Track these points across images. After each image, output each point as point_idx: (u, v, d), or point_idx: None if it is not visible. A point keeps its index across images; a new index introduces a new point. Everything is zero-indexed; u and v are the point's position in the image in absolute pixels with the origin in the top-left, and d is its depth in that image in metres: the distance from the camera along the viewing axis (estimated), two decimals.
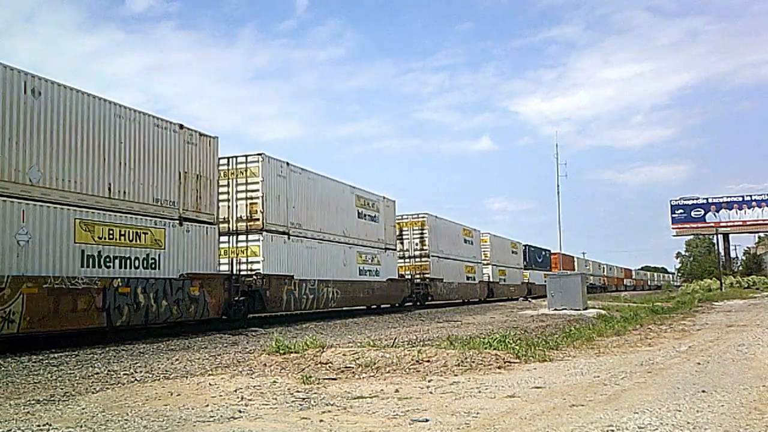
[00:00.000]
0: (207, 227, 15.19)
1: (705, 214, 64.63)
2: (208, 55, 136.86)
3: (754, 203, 63.05)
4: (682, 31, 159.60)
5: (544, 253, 54.48)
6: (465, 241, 35.18)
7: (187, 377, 7.80)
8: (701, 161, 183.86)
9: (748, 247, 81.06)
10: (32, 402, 6.30)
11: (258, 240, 17.02)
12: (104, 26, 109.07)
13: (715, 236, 62.73)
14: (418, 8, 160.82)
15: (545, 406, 5.55)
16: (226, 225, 16.93)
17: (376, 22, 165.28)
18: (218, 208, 15.99)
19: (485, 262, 39.21)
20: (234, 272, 16.62)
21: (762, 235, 74.48)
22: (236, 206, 17.26)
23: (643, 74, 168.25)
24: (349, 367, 7.92)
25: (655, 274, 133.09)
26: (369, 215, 23.81)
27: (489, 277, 39.64)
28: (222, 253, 16.33)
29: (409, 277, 28.31)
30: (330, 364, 8.06)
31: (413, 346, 9.32)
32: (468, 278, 35.11)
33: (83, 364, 9.56)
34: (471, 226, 36.76)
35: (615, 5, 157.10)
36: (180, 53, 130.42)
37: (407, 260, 29.18)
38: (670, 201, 66.58)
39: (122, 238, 12.79)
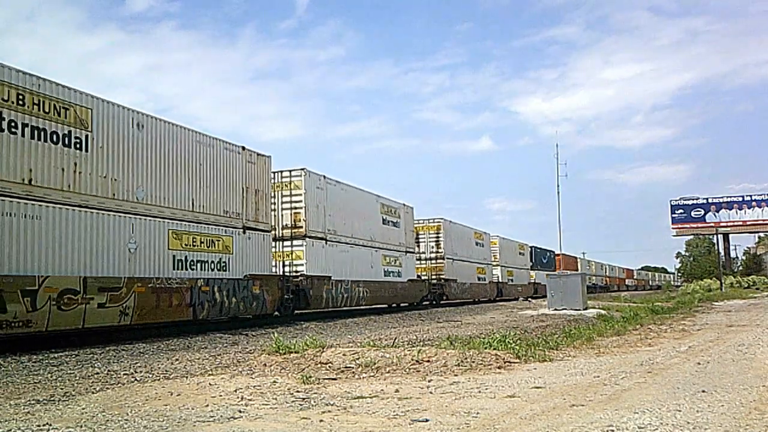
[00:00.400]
0: (264, 234, 17.58)
1: (705, 214, 64.67)
2: (208, 54, 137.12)
3: (754, 203, 63.08)
4: (683, 31, 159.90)
5: (548, 254, 56.25)
6: (476, 243, 37.15)
7: (187, 377, 7.80)
8: (702, 161, 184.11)
9: (748, 247, 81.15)
10: (32, 402, 6.30)
11: (302, 245, 19.28)
12: (105, 26, 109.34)
13: (715, 236, 62.75)
14: (418, 8, 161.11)
15: (545, 406, 5.55)
16: (273, 232, 18.73)
17: (376, 22, 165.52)
18: (271, 217, 18.35)
19: (494, 263, 40.94)
20: (283, 273, 18.60)
21: (762, 235, 74.52)
22: (282, 215, 19.58)
23: (644, 74, 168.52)
24: (349, 367, 7.92)
25: (657, 274, 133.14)
26: (392, 221, 25.99)
27: (498, 277, 41.35)
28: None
29: (426, 277, 30.01)
30: (330, 364, 8.06)
31: (413, 346, 9.32)
32: (479, 279, 36.96)
33: (83, 364, 9.56)
34: (481, 230, 38.65)
35: (615, 5, 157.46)
36: (180, 53, 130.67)
37: (424, 262, 30.97)
38: (670, 201, 66.67)
39: (202, 244, 15.28)
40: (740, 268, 73.31)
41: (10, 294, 10.58)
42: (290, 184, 19.58)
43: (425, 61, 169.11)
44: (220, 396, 6.39)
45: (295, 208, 19.46)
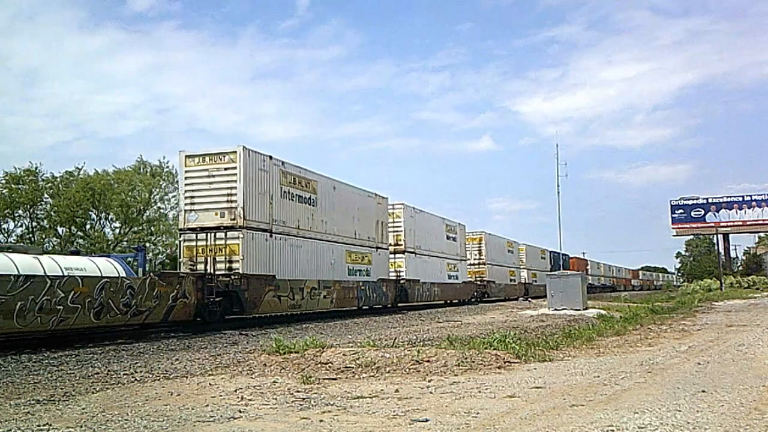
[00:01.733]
0: (385, 251, 25.98)
1: (705, 214, 64.57)
2: (209, 54, 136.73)
3: (754, 203, 62.99)
4: (684, 31, 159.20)
5: (563, 257, 61.55)
6: (508, 251, 44.99)
7: (187, 377, 7.80)
8: (702, 161, 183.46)
9: (748, 247, 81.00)
10: (32, 402, 6.30)
11: (402, 257, 27.53)
12: (105, 25, 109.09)
13: (715, 236, 62.71)
14: (419, 8, 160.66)
15: (545, 406, 5.55)
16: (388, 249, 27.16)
17: (377, 22, 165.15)
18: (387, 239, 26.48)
19: (522, 267, 48.46)
20: (397, 277, 27.01)
21: (762, 235, 74.43)
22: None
23: (645, 74, 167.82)
24: (349, 367, 7.92)
25: (660, 274, 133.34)
26: (452, 237, 33.80)
27: (525, 279, 48.81)
28: None
29: (472, 279, 37.30)
30: (330, 364, 8.06)
31: (413, 346, 9.32)
32: (511, 280, 44.72)
33: (83, 364, 9.56)
34: (512, 239, 46.83)
35: (616, 5, 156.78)
36: (181, 53, 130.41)
37: (470, 267, 38.17)
38: (670, 201, 66.54)
39: (359, 259, 23.33)
40: (740, 268, 73.19)
41: (294, 289, 18.91)
42: (393, 214, 27.18)
43: (426, 61, 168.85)
44: (220, 396, 6.39)
45: (397, 231, 27.40)
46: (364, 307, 23.89)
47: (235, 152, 16.57)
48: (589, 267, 68.53)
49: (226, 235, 16.38)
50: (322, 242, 20.51)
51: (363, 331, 15.73)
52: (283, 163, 18.64)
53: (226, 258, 16.35)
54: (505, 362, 8.23)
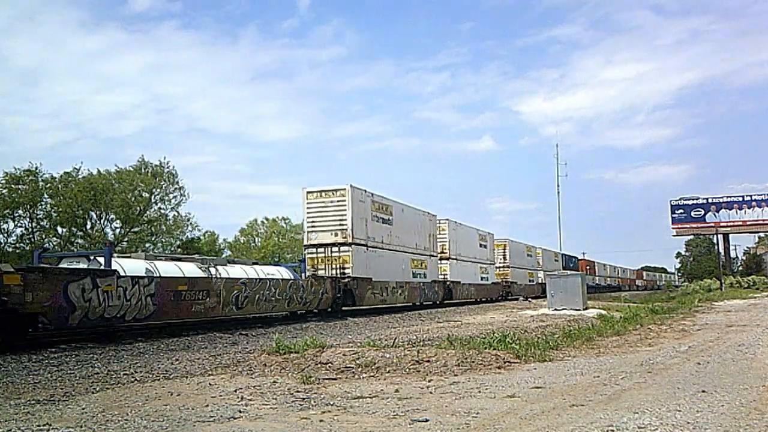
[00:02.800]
0: (435, 258, 31.39)
1: (705, 214, 64.53)
2: (209, 54, 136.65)
3: (754, 203, 62.95)
4: (685, 31, 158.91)
5: (574, 259, 67.79)
6: (527, 255, 50.82)
7: (187, 377, 7.81)
8: (703, 161, 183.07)
9: (748, 247, 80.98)
10: (32, 402, 6.30)
11: (447, 263, 33.23)
12: (106, 25, 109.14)
13: (715, 236, 62.70)
14: (420, 8, 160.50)
15: (545, 406, 5.55)
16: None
17: (378, 22, 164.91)
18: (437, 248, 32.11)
19: (539, 269, 53.26)
20: (444, 279, 32.81)
21: (762, 235, 74.45)
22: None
23: (646, 74, 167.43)
24: (349, 367, 7.92)
25: (663, 275, 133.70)
26: (483, 245, 39.70)
27: (541, 279, 52.42)
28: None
29: (499, 281, 42.64)
30: (330, 364, 8.06)
31: (413, 346, 9.32)
32: (530, 281, 50.28)
33: (83, 364, 9.56)
34: (531, 244, 52.56)
35: (617, 5, 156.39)
36: (181, 53, 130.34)
37: (496, 269, 43.30)
38: (670, 201, 66.48)
39: (419, 265, 29.02)
40: (740, 268, 73.19)
41: (383, 288, 24.75)
42: (439, 227, 32.58)
43: (427, 61, 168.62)
44: (220, 396, 6.39)
45: (442, 241, 32.89)
46: (425, 303, 29.81)
47: (345, 189, 22.55)
48: (596, 268, 75.26)
49: (339, 249, 22.35)
50: (396, 252, 26.57)
51: (363, 331, 15.73)
52: (372, 194, 24.50)
53: (339, 266, 22.29)
54: (505, 362, 8.23)
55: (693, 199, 65.89)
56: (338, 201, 22.46)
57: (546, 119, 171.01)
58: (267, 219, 67.96)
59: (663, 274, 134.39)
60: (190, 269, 17.12)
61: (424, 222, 30.18)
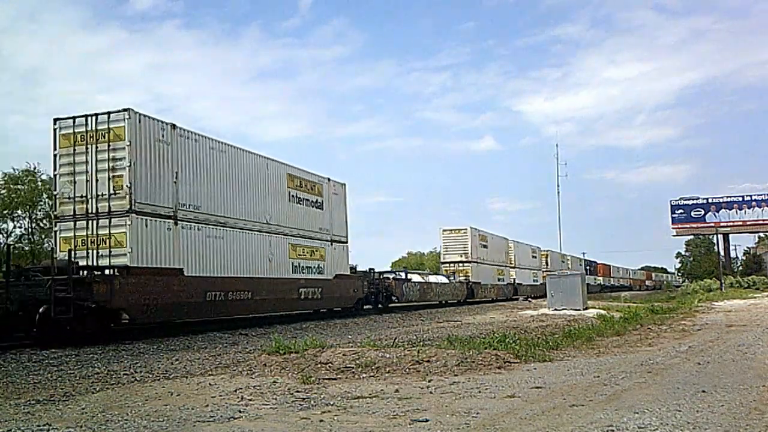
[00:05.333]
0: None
1: (705, 214, 64.54)
2: (211, 54, 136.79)
3: (754, 203, 62.96)
4: (687, 30, 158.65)
5: (593, 263, 75.67)
6: (561, 261, 57.92)
7: (187, 377, 7.81)
8: (704, 161, 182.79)
9: (748, 247, 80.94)
10: (32, 402, 6.30)
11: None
12: (108, 25, 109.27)
13: (715, 236, 62.71)
14: (421, 7, 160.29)
15: (545, 406, 5.55)
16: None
17: (379, 22, 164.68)
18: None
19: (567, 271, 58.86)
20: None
21: (762, 235, 74.39)
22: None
23: (648, 73, 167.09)
24: (349, 367, 7.92)
25: (669, 275, 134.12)
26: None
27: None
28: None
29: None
30: (330, 364, 8.06)
31: (413, 346, 9.31)
32: (534, 281, 53.83)
33: (83, 364, 9.56)
34: (565, 253, 59.52)
35: (620, 4, 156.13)
36: (183, 52, 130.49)
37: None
38: (670, 201, 66.51)
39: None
40: (740, 268, 73.22)
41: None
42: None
43: (428, 61, 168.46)
44: (220, 396, 6.39)
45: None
46: (450, 301, 34.17)
47: (467, 229, 35.61)
48: (611, 270, 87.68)
49: (462, 264, 34.86)
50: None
51: (363, 331, 15.73)
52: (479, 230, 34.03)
53: (464, 275, 35.18)
54: (505, 362, 8.23)
55: (693, 199, 65.91)
56: (462, 237, 36.80)
57: (547, 119, 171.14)
58: None
59: (669, 275, 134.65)
60: (441, 279, 33.90)
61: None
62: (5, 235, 36.59)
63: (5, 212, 35.81)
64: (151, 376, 8.08)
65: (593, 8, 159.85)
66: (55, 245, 14.24)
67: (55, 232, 14.38)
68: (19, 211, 36.86)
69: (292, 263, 19.75)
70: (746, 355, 8.93)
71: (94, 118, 14.13)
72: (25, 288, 12.35)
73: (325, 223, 22.27)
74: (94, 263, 13.64)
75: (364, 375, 7.55)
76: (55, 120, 14.46)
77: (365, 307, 25.46)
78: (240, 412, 5.60)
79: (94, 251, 13.78)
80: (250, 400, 6.16)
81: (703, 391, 6.06)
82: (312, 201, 21.59)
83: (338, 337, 13.81)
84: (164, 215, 14.57)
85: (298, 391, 6.54)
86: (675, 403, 5.50)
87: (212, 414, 5.52)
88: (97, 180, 13.95)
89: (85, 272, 13.02)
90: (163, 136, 14.85)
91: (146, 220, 14.00)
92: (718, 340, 11.30)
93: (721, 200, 64.84)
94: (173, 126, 15.25)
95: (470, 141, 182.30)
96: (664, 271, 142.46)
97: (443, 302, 33.38)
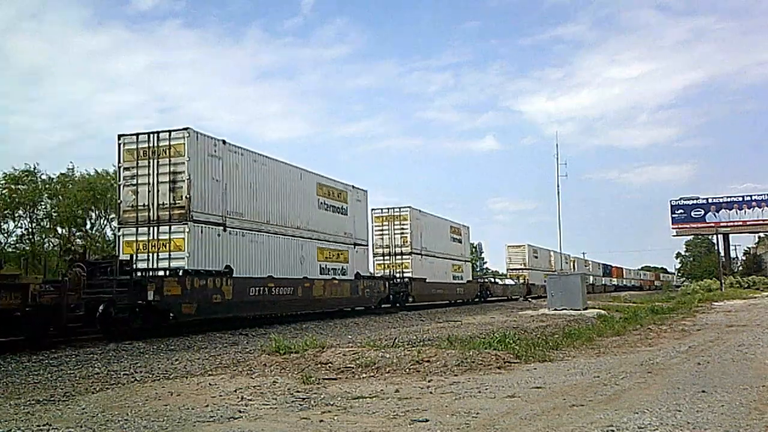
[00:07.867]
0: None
1: (705, 214, 64.52)
2: (213, 53, 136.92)
3: (754, 203, 62.93)
4: (689, 30, 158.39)
5: (609, 267, 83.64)
6: (585, 265, 64.17)
7: (187, 377, 7.80)
8: (706, 161, 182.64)
9: (748, 247, 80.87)
10: (32, 402, 6.30)
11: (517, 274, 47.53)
12: (110, 24, 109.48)
13: (715, 236, 62.68)
14: (423, 7, 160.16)
15: (545, 406, 5.55)
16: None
17: (381, 21, 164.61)
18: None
19: (588, 273, 64.38)
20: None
21: (762, 235, 74.34)
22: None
23: (649, 73, 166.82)
24: (349, 367, 7.92)
25: (663, 274, 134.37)
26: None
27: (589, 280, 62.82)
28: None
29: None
30: (330, 364, 8.06)
31: (413, 346, 9.31)
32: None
33: (83, 364, 9.56)
34: (578, 256, 67.44)
35: (622, 3, 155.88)
36: (185, 52, 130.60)
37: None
38: (670, 201, 66.48)
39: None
40: (740, 268, 73.17)
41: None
42: (465, 232, 39.51)
43: (430, 60, 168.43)
44: (220, 396, 6.39)
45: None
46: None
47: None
48: (624, 272, 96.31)
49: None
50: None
51: (363, 331, 15.73)
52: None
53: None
54: (505, 362, 8.23)
55: (693, 199, 65.90)
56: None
57: (549, 119, 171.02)
58: None
59: (663, 274, 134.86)
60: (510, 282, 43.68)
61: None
62: (5, 235, 36.59)
63: (6, 212, 35.82)
64: (151, 376, 8.08)
65: (595, 8, 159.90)
66: (118, 248, 15.52)
67: (119, 236, 15.69)
68: (20, 211, 36.86)
69: (320, 265, 21.29)
70: (746, 355, 8.93)
71: (156, 135, 15.63)
72: (92, 288, 13.51)
73: (349, 228, 23.75)
74: (154, 266, 15.09)
75: (364, 375, 7.55)
76: (119, 136, 15.84)
77: (383, 305, 26.95)
78: (240, 412, 5.60)
79: (155, 255, 15.21)
80: (250, 400, 6.16)
81: (703, 391, 6.06)
82: (338, 207, 23.10)
83: (338, 337, 13.81)
84: (215, 222, 16.15)
85: (298, 391, 6.54)
86: (675, 403, 5.50)
87: (212, 414, 5.52)
88: (158, 190, 15.44)
89: (141, 274, 14.51)
90: (215, 151, 16.42)
91: (201, 227, 15.56)
92: (718, 340, 11.30)
93: (721, 200, 64.81)
94: (224, 141, 16.81)
95: (471, 141, 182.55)
96: (664, 271, 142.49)
97: (465, 301, 36.37)
